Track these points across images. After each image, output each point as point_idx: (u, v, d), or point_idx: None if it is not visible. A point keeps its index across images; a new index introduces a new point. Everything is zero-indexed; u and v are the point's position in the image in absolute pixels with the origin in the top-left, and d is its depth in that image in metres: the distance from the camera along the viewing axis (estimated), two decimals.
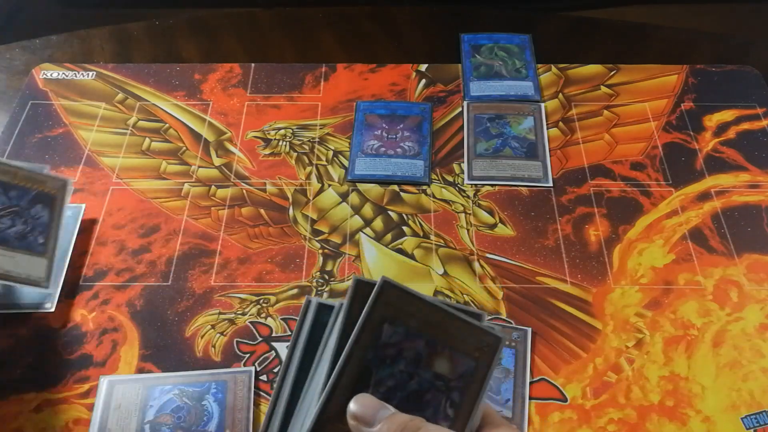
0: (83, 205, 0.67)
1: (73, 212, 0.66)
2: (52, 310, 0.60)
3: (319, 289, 0.62)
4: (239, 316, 0.60)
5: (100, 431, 0.53)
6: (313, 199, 0.69)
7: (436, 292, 0.62)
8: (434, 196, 0.69)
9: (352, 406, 0.31)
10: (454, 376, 0.32)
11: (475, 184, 0.70)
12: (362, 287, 0.32)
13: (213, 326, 0.60)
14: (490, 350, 0.32)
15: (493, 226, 0.67)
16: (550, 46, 0.84)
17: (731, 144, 0.74)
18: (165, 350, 0.58)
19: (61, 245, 0.59)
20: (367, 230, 0.67)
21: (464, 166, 0.72)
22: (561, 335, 0.59)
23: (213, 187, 0.70)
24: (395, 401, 0.31)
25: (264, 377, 0.56)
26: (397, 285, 0.32)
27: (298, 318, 0.35)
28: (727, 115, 0.76)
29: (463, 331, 0.32)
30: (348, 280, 0.63)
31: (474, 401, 0.32)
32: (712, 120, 0.76)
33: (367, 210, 0.68)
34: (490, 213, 0.68)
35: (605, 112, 0.77)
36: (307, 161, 0.72)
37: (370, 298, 0.31)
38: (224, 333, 0.59)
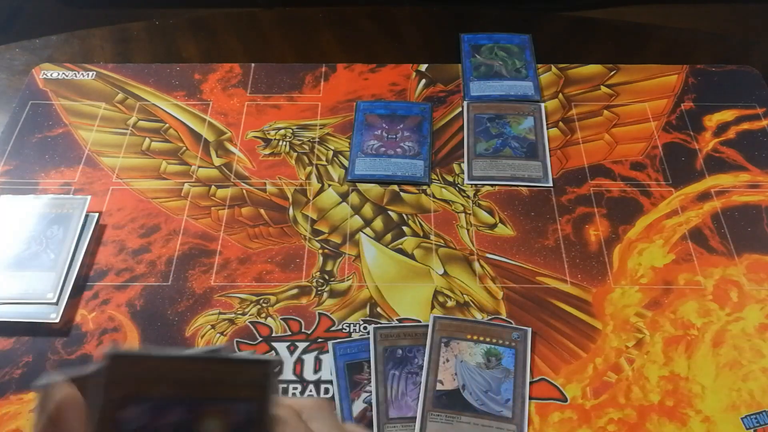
0: (96, 215, 0.66)
1: (87, 221, 0.64)
2: (57, 320, 0.59)
3: (319, 289, 0.62)
4: (239, 316, 0.60)
5: None
6: (313, 199, 0.69)
7: (436, 292, 0.62)
8: (434, 196, 0.69)
9: None
10: (235, 429, 0.26)
11: (475, 184, 0.70)
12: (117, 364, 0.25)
13: (213, 326, 0.60)
14: (264, 379, 0.26)
15: (493, 226, 0.67)
16: (550, 46, 0.84)
17: (731, 144, 0.74)
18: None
19: (73, 257, 0.58)
20: (367, 230, 0.67)
21: (464, 166, 0.72)
22: (561, 335, 0.59)
23: (213, 187, 0.70)
24: None
25: None
26: (127, 353, 0.25)
27: None
28: (727, 115, 0.76)
29: (226, 373, 0.26)
30: (348, 280, 0.63)
31: None
32: (712, 120, 0.76)
33: (367, 210, 0.68)
34: (490, 213, 0.68)
35: (605, 112, 0.77)
36: (307, 161, 0.72)
37: (101, 383, 0.24)
38: (224, 333, 0.59)
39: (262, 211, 0.68)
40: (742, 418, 0.54)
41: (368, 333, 0.59)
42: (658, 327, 0.60)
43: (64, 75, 0.81)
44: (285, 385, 0.56)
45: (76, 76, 0.81)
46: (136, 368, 0.25)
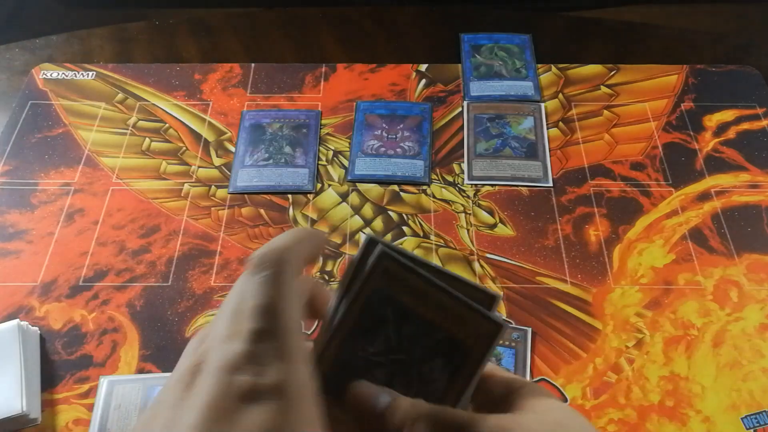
0: (16, 321, 0.58)
1: (11, 335, 0.57)
2: (39, 420, 0.54)
3: None
4: None
5: (100, 431, 0.53)
6: (313, 199, 0.69)
7: None
8: (434, 196, 0.69)
9: (351, 393, 0.29)
10: (446, 360, 0.30)
11: (475, 184, 0.70)
12: (370, 251, 0.29)
13: None
14: (488, 337, 0.29)
15: (493, 226, 0.67)
16: (550, 46, 0.84)
17: (731, 144, 0.73)
18: (165, 350, 0.58)
19: (27, 365, 0.55)
20: (367, 230, 0.67)
21: (464, 166, 0.72)
22: (561, 335, 0.59)
23: (213, 187, 0.70)
24: (384, 379, 0.30)
25: None
26: (397, 258, 0.29)
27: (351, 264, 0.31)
28: (727, 115, 0.76)
29: (463, 313, 0.29)
30: None
31: (466, 386, 0.30)
32: (712, 120, 0.76)
33: (367, 210, 0.68)
34: (490, 213, 0.68)
35: (605, 112, 0.77)
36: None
37: (364, 271, 0.29)
38: None
39: (262, 211, 0.68)
40: (742, 418, 0.54)
41: None
42: (658, 327, 0.60)
43: (64, 75, 0.81)
44: None
45: (76, 76, 0.81)
46: (399, 272, 0.29)
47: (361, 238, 0.66)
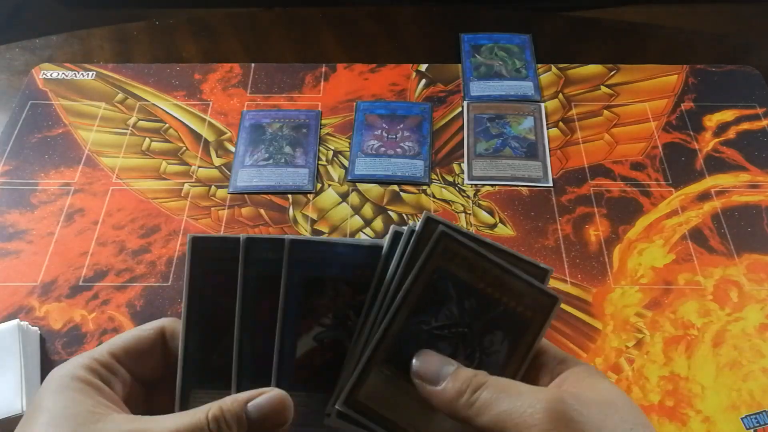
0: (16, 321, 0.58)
1: (11, 335, 0.56)
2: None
3: None
4: None
5: None
6: (313, 199, 0.69)
7: None
8: (434, 196, 0.69)
9: (416, 363, 0.31)
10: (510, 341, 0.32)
11: (475, 184, 0.70)
12: (431, 229, 0.31)
13: None
14: (545, 309, 0.32)
15: (493, 226, 0.67)
16: (550, 46, 0.84)
17: (731, 144, 0.73)
18: None
19: (27, 365, 0.55)
20: (367, 230, 0.67)
21: (464, 166, 0.72)
22: (561, 335, 0.59)
23: (213, 187, 0.70)
24: (448, 351, 0.31)
25: None
26: (457, 237, 0.31)
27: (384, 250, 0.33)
28: (727, 115, 0.76)
29: (520, 288, 0.31)
30: None
31: (525, 356, 0.32)
32: (712, 120, 0.76)
33: (367, 210, 0.68)
34: (490, 213, 0.68)
35: (605, 112, 0.77)
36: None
37: (426, 250, 0.31)
38: None
39: (262, 211, 0.68)
40: (742, 418, 0.54)
41: None
42: (658, 327, 0.60)
43: (64, 75, 0.81)
44: None
45: (76, 76, 0.81)
46: (459, 250, 0.31)
47: (362, 237, 0.66)
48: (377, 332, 0.31)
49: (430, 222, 0.32)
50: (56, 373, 0.31)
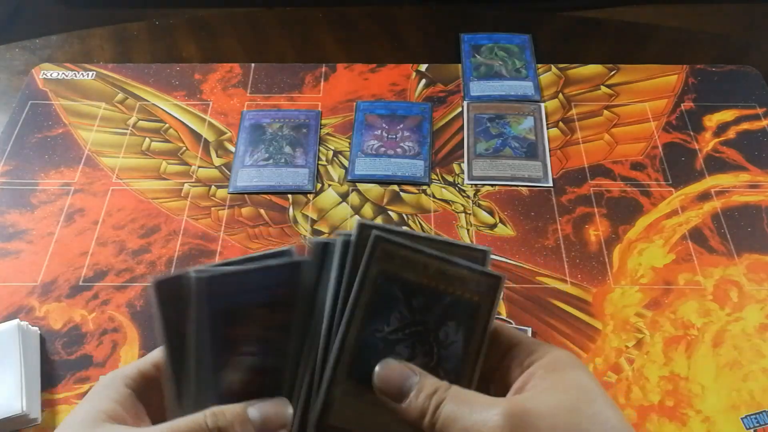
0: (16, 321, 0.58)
1: (11, 335, 0.56)
2: (39, 420, 0.54)
3: None
4: None
5: None
6: (313, 199, 0.69)
7: None
8: (434, 196, 0.69)
9: (377, 379, 0.30)
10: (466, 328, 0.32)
11: (475, 184, 0.70)
12: (366, 235, 0.31)
13: None
14: (491, 290, 0.31)
15: (493, 226, 0.67)
16: (550, 46, 0.84)
17: (731, 144, 0.73)
18: None
19: (27, 365, 0.55)
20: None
21: (464, 166, 0.72)
22: (561, 335, 0.59)
23: (213, 187, 0.70)
24: (407, 352, 0.31)
25: None
26: (391, 238, 0.31)
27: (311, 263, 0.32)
28: (727, 115, 0.76)
29: (462, 275, 0.31)
30: None
31: (482, 341, 0.32)
32: (712, 120, 0.76)
33: (367, 210, 0.68)
34: (490, 213, 0.68)
35: (605, 112, 0.77)
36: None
37: (364, 257, 0.30)
38: None
39: (262, 211, 0.68)
40: (742, 418, 0.54)
41: None
42: (658, 327, 0.60)
43: (63, 75, 0.81)
44: None
45: (76, 76, 0.81)
46: (395, 251, 0.31)
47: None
48: (333, 350, 0.30)
49: (363, 228, 0.31)
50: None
